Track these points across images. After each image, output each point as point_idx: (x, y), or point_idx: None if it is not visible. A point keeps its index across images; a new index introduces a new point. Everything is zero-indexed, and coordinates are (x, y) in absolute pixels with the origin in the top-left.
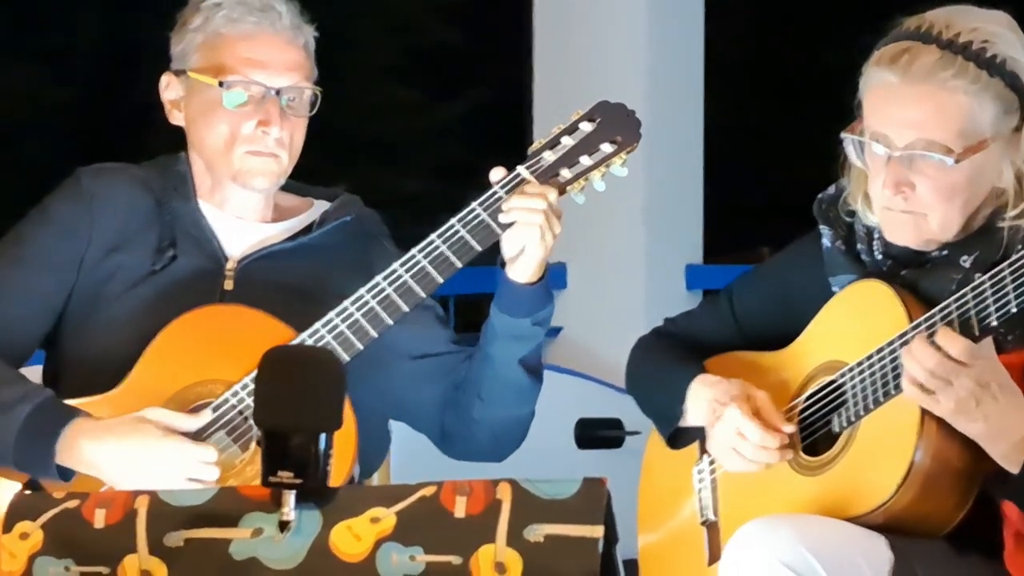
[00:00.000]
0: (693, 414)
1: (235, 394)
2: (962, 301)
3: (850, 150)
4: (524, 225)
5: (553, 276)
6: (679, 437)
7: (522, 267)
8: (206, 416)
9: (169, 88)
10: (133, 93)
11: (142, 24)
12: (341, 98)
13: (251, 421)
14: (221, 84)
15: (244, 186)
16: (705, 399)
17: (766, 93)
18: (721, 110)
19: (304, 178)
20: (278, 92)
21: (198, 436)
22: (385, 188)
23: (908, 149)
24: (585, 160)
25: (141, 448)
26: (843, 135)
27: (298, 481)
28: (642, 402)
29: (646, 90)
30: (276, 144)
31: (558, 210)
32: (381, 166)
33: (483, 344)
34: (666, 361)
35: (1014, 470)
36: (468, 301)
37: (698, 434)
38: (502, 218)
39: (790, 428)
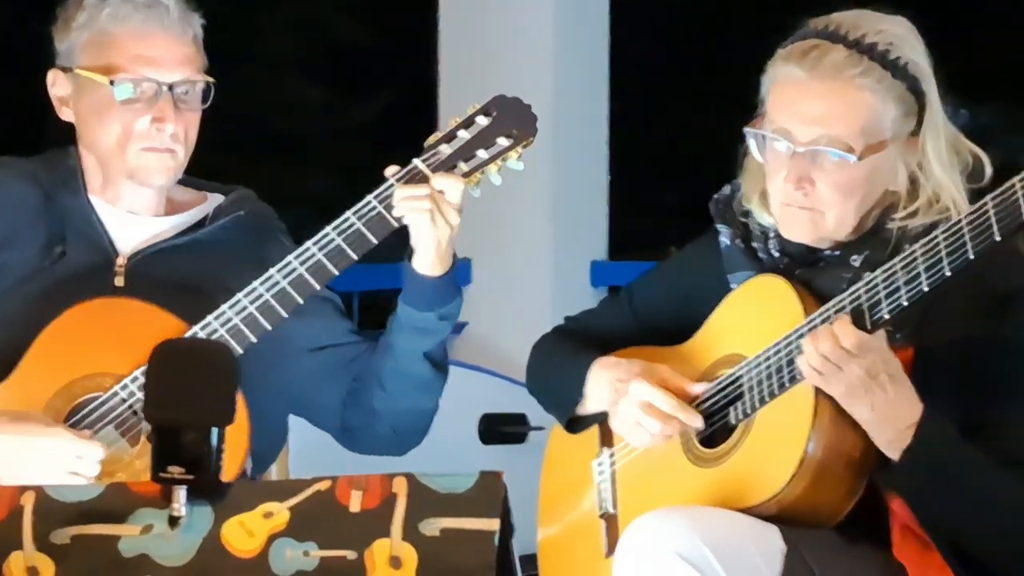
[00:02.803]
0: (593, 398)
1: (124, 387)
2: (855, 295)
3: (752, 145)
4: (412, 213)
5: (458, 271)
6: (577, 423)
7: (422, 257)
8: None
9: (56, 85)
10: (26, 85)
11: (34, 17)
12: (247, 93)
13: (140, 415)
14: (112, 83)
15: (142, 184)
16: (606, 380)
17: (673, 92)
18: (627, 109)
19: (209, 175)
20: (171, 87)
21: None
22: (291, 186)
23: (811, 145)
24: (481, 153)
25: (23, 439)
26: (746, 130)
27: (189, 477)
28: (541, 394)
29: (552, 88)
30: (172, 140)
31: (458, 201)
32: (286, 164)
33: (388, 335)
34: (565, 353)
35: (894, 457)
36: (372, 298)
37: (596, 420)
38: (394, 211)
39: (701, 387)
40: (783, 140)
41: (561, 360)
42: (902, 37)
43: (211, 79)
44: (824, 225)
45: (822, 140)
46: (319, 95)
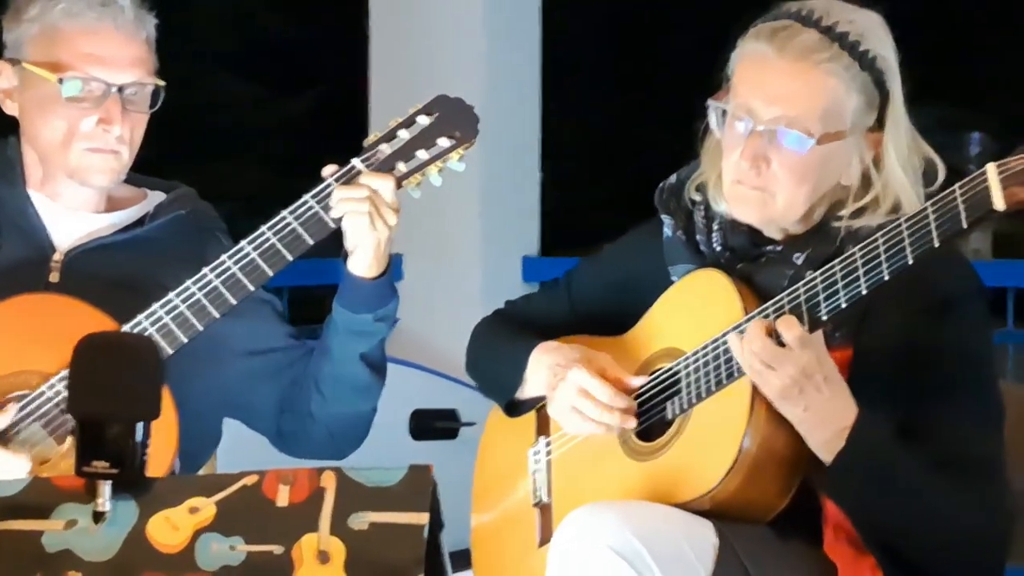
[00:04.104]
0: (533, 383)
1: (51, 386)
2: (794, 294)
3: (712, 118)
4: (351, 215)
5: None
6: (516, 407)
7: (359, 259)
8: (11, 411)
9: (2, 76)
10: None
11: None
12: (180, 89)
13: (68, 413)
14: (60, 81)
15: (83, 183)
16: (546, 364)
17: (606, 88)
18: (560, 105)
19: (141, 169)
20: (120, 89)
21: (6, 433)
22: (222, 181)
23: (771, 124)
24: (422, 154)
25: None
26: (708, 102)
27: (114, 471)
28: (481, 377)
29: (484, 83)
30: (117, 141)
31: (393, 201)
32: (219, 159)
33: (324, 338)
34: (507, 337)
35: (827, 459)
36: (302, 293)
37: (534, 405)
38: (332, 212)
39: (639, 381)
40: (744, 117)
41: (503, 344)
42: (872, 30)
43: (161, 82)
44: (774, 206)
45: (782, 120)
46: (249, 90)
